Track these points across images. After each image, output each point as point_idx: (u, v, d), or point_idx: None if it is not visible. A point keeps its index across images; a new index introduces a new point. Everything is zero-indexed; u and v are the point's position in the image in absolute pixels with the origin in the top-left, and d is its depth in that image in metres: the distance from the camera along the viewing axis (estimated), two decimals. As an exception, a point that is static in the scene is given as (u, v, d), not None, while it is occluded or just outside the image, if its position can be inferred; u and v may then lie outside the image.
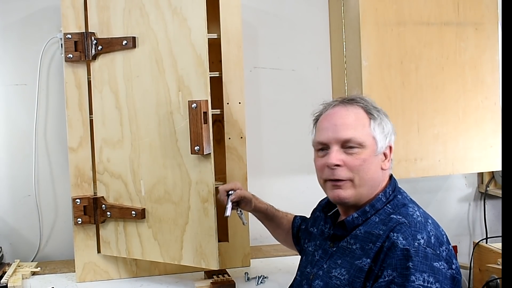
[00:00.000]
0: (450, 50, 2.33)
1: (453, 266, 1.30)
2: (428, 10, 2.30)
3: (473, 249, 2.43)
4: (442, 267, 1.27)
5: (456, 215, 2.76)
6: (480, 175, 2.74)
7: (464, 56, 2.34)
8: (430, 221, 1.36)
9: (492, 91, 2.37)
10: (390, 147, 1.42)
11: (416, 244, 1.28)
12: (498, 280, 2.16)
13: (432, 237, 1.31)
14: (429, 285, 1.24)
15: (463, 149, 2.36)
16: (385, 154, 1.41)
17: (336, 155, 1.37)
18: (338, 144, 1.38)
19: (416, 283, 1.24)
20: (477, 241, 2.45)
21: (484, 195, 2.73)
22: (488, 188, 2.69)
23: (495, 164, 2.39)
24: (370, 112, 1.40)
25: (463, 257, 2.73)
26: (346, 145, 1.38)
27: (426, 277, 1.25)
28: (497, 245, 2.33)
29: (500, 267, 2.18)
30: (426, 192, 2.68)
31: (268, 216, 1.81)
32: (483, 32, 2.36)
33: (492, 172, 2.66)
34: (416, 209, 1.39)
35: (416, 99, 2.30)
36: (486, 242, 2.44)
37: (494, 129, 2.37)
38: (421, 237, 1.29)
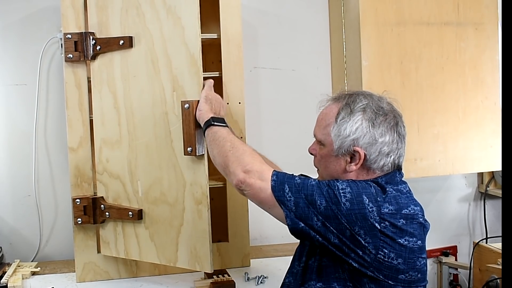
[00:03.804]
0: (450, 50, 2.33)
1: (343, 200, 1.29)
2: (428, 10, 2.30)
3: (473, 249, 2.44)
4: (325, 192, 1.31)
5: (456, 215, 2.76)
6: (480, 175, 2.75)
7: (464, 56, 2.34)
8: (388, 198, 1.32)
9: (492, 91, 2.37)
10: (358, 152, 1.37)
11: (333, 180, 1.34)
12: (498, 280, 2.16)
13: (356, 188, 1.31)
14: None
15: (463, 149, 2.36)
16: (352, 157, 1.39)
17: (312, 145, 1.50)
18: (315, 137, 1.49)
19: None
20: (477, 241, 2.46)
21: (484, 195, 2.73)
22: (488, 188, 2.69)
23: (495, 164, 2.39)
24: (340, 112, 1.40)
25: (463, 257, 2.73)
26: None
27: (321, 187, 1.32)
28: (497, 245, 2.33)
29: (500, 267, 2.18)
30: (426, 192, 2.68)
31: None
32: (483, 32, 2.36)
33: (492, 172, 2.66)
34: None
35: (416, 99, 2.30)
36: (486, 242, 2.44)
37: (494, 129, 2.37)
38: (343, 182, 1.33)
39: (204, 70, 2.22)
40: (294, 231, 1.34)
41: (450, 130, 2.34)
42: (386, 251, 1.28)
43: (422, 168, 2.32)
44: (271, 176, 1.35)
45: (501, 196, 2.08)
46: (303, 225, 1.31)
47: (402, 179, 1.44)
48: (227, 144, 1.46)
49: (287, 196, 1.32)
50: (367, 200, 1.28)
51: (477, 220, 2.77)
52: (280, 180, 1.35)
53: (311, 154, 1.49)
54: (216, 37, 2.06)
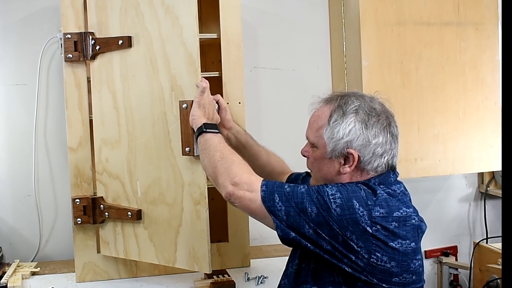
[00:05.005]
0: (450, 50, 2.33)
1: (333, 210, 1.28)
2: (428, 10, 2.30)
3: (474, 249, 2.44)
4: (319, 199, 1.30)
5: (457, 215, 2.75)
6: (480, 175, 2.74)
7: (464, 56, 2.34)
8: (378, 201, 1.30)
9: (492, 91, 2.38)
10: (352, 154, 1.36)
11: (323, 186, 1.33)
12: (498, 280, 2.16)
13: (346, 193, 1.29)
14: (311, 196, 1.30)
15: (463, 149, 2.36)
16: (345, 159, 1.38)
17: (305, 147, 1.49)
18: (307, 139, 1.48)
19: (301, 189, 1.33)
20: (478, 241, 2.46)
21: (484, 195, 2.73)
22: (488, 188, 2.69)
23: (495, 164, 2.39)
24: (333, 114, 1.39)
25: (463, 257, 2.73)
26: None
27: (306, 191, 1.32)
28: (497, 245, 2.33)
29: (500, 267, 2.18)
30: (426, 192, 2.68)
31: (247, 142, 1.82)
32: (483, 32, 2.36)
33: (492, 172, 2.66)
34: (383, 193, 1.33)
35: (416, 99, 2.30)
36: (487, 242, 2.44)
37: (494, 129, 2.37)
38: (332, 187, 1.32)
39: (204, 70, 2.23)
40: (285, 241, 1.33)
41: (450, 130, 2.34)
42: (378, 254, 1.28)
43: (422, 168, 2.32)
44: (261, 187, 1.34)
45: (501, 196, 2.08)
46: (294, 234, 1.31)
47: (397, 179, 1.44)
48: (217, 154, 1.45)
49: (278, 206, 1.32)
50: (357, 205, 1.28)
51: (477, 220, 2.77)
52: (270, 190, 1.34)
53: (304, 156, 1.49)
54: (216, 37, 2.05)
